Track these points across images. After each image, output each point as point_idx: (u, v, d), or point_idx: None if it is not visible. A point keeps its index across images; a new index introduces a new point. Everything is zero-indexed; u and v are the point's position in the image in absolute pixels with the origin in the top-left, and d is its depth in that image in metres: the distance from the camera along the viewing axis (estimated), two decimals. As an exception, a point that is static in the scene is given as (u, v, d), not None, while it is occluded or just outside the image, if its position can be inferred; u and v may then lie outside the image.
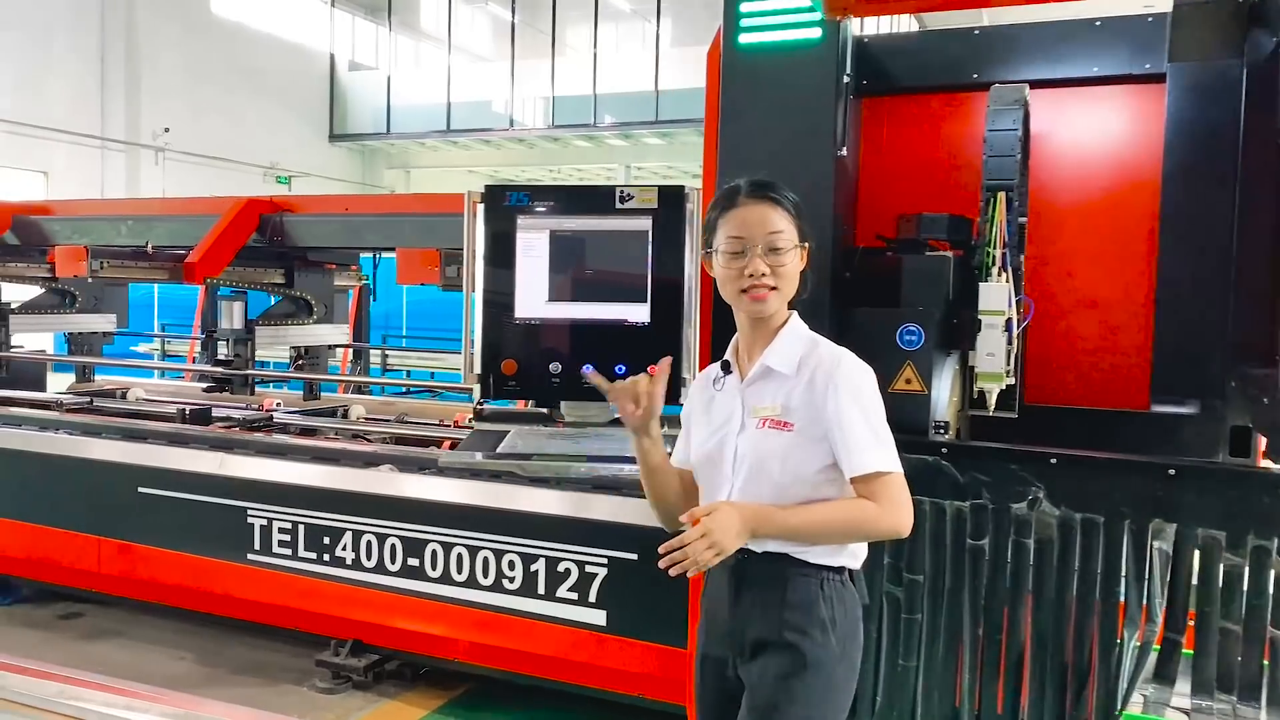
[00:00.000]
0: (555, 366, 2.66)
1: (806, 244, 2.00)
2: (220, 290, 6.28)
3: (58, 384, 7.99)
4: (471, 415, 3.03)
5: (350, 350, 9.19)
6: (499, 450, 2.65)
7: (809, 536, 1.91)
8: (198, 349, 10.13)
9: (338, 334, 6.68)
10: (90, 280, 5.41)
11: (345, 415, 6.72)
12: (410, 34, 23.78)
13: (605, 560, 3.23)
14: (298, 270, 6.31)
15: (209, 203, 7.06)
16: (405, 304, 14.15)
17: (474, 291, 2.75)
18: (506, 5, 21.74)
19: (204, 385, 6.33)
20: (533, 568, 3.36)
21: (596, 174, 23.87)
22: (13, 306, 6.72)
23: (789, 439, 1.92)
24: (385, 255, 8.56)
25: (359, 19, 22.80)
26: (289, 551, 3.78)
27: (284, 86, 20.70)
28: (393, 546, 3.60)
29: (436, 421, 6.82)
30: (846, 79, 2.71)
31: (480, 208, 2.80)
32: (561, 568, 3.31)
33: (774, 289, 1.94)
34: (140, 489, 4.09)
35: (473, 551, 3.46)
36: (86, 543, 4.20)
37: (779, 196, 1.98)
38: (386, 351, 12.46)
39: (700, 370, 2.25)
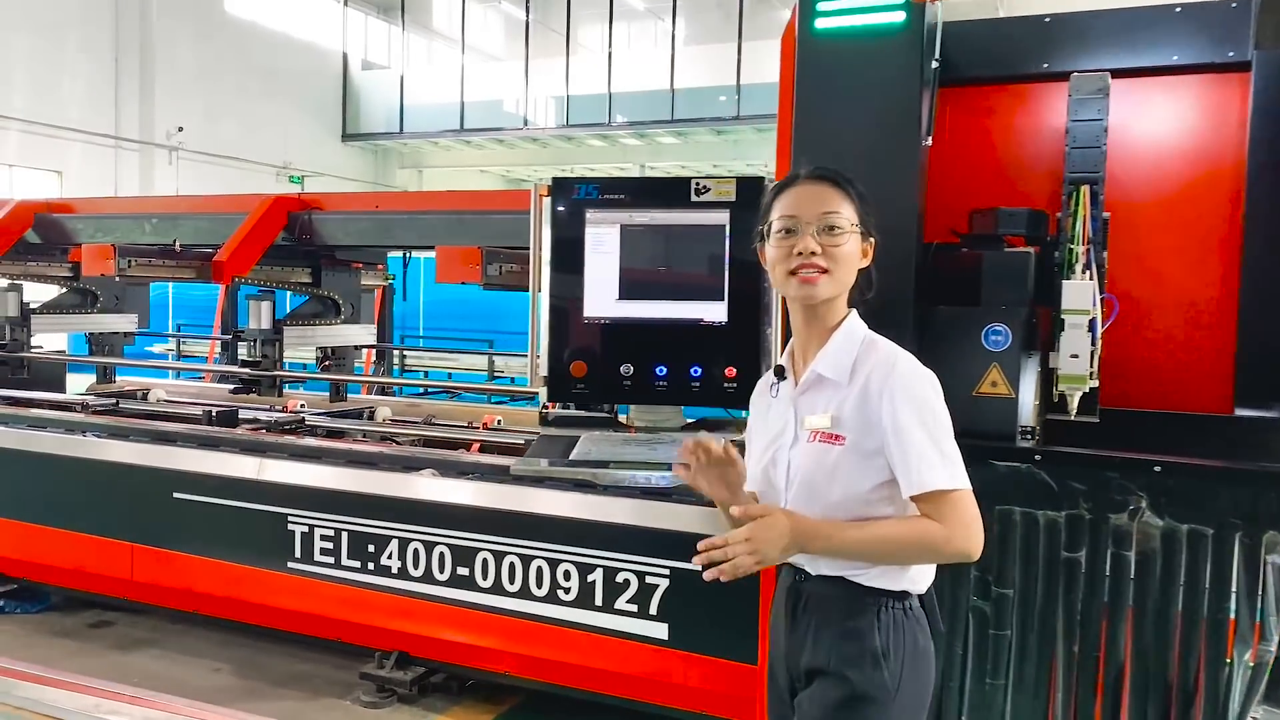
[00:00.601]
0: (627, 368, 2.52)
1: (872, 239, 1.87)
2: (247, 290, 6.17)
3: (76, 385, 7.90)
4: (538, 419, 2.89)
5: (373, 351, 9.11)
6: (573, 457, 2.51)
7: (865, 557, 1.78)
8: (217, 349, 10.05)
9: (365, 334, 6.55)
10: (117, 279, 5.27)
11: (372, 417, 6.62)
12: (422, 33, 23.69)
13: (667, 571, 3.10)
14: (325, 269, 6.19)
15: (235, 200, 6.95)
16: (423, 304, 14.03)
17: (540, 290, 2.61)
18: (518, 4, 21.62)
19: (231, 387, 6.21)
20: (589, 578, 3.22)
21: (607, 172, 23.75)
22: (34, 306, 6.62)
23: (840, 454, 1.77)
24: (416, 255, 8.46)
25: (372, 18, 22.71)
26: (331, 560, 3.65)
27: (297, 86, 20.62)
28: (441, 555, 3.47)
29: (465, 424, 6.72)
30: (935, 64, 2.57)
31: (547, 201, 2.67)
32: (620, 578, 3.17)
33: (826, 271, 1.79)
34: (175, 494, 3.96)
35: (526, 560, 3.33)
36: (119, 550, 4.08)
37: (841, 179, 1.85)
38: (405, 352, 12.35)
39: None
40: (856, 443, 1.76)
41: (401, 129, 22.01)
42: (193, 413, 6.11)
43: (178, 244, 5.46)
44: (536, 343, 2.59)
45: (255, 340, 5.76)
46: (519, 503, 3.34)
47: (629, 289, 2.54)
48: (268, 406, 6.65)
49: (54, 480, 4.31)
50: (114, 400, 6.08)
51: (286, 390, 6.38)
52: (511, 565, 3.35)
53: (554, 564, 3.28)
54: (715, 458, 1.82)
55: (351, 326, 6.37)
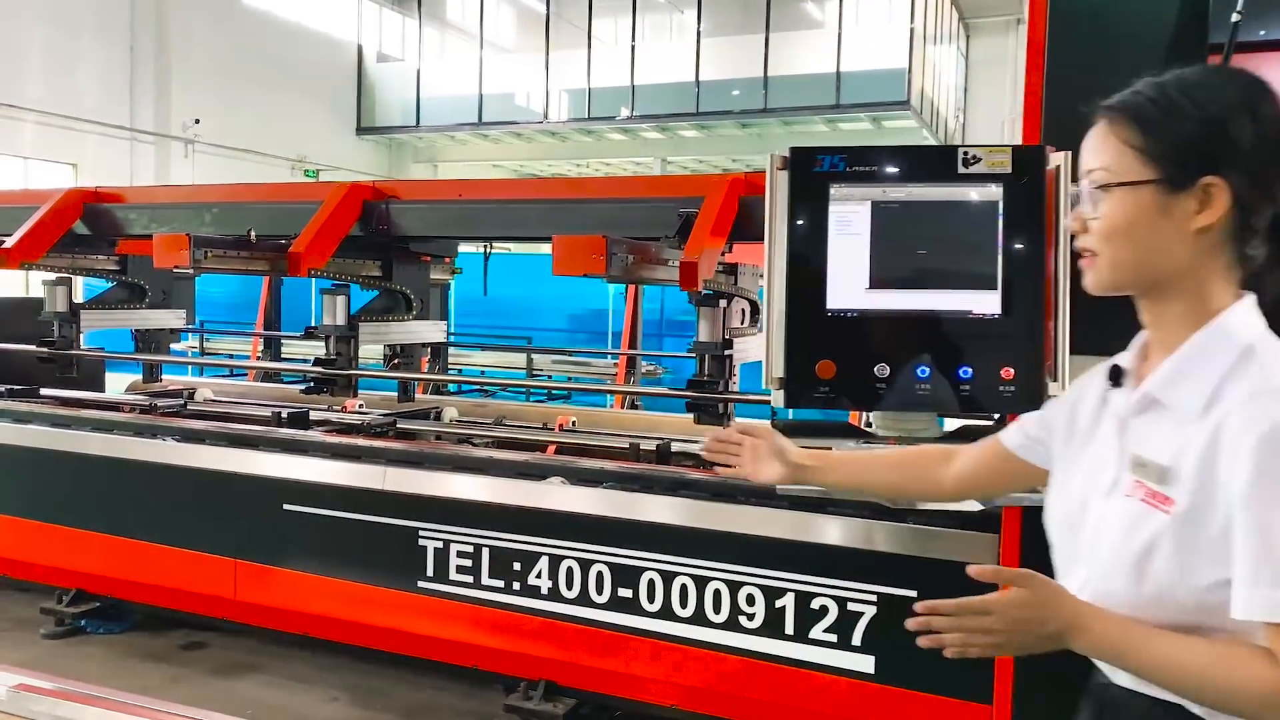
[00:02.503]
0: (882, 369, 2.19)
1: (1209, 178, 1.22)
2: (295, 282, 5.82)
3: (114, 384, 7.55)
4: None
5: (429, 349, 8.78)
6: None
7: (1166, 686, 1.23)
8: (260, 346, 9.70)
9: (436, 331, 6.22)
10: (192, 272, 4.92)
11: (439, 417, 6.30)
12: (436, 25, 23.31)
13: (874, 597, 2.77)
14: (396, 262, 5.85)
15: (304, 188, 6.61)
16: (454, 302, 13.68)
17: (774, 278, 2.28)
18: (537, -4, 21.28)
19: (302, 386, 5.86)
20: (778, 603, 2.89)
21: (625, 168, 23.43)
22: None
23: (1164, 525, 1.21)
24: (497, 249, 8.08)
25: (386, 9, 22.32)
26: (470, 579, 3.31)
27: (312, 78, 20.23)
28: (599, 575, 3.13)
29: (540, 425, 6.39)
30: (1236, 17, 2.24)
31: (783, 176, 2.33)
32: (817, 604, 2.84)
33: (1093, 254, 1.30)
34: (285, 506, 3.62)
35: (700, 583, 2.99)
36: (220, 566, 3.74)
37: (1120, 106, 1.29)
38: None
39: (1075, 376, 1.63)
40: (1192, 511, 1.19)
41: (418, 122, 21.65)
42: (262, 414, 5.79)
43: (253, 234, 5.10)
44: (771, 340, 2.27)
45: (330, 337, 5.41)
46: (696, 518, 3.01)
47: (881, 276, 2.21)
48: (326, 406, 6.33)
49: (142, 491, 3.96)
50: (182, 401, 5.73)
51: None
52: (684, 587, 3.02)
53: (735, 587, 2.95)
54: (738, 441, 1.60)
55: (423, 323, 6.04)
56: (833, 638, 2.82)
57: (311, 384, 5.80)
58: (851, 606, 2.80)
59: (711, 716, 3.07)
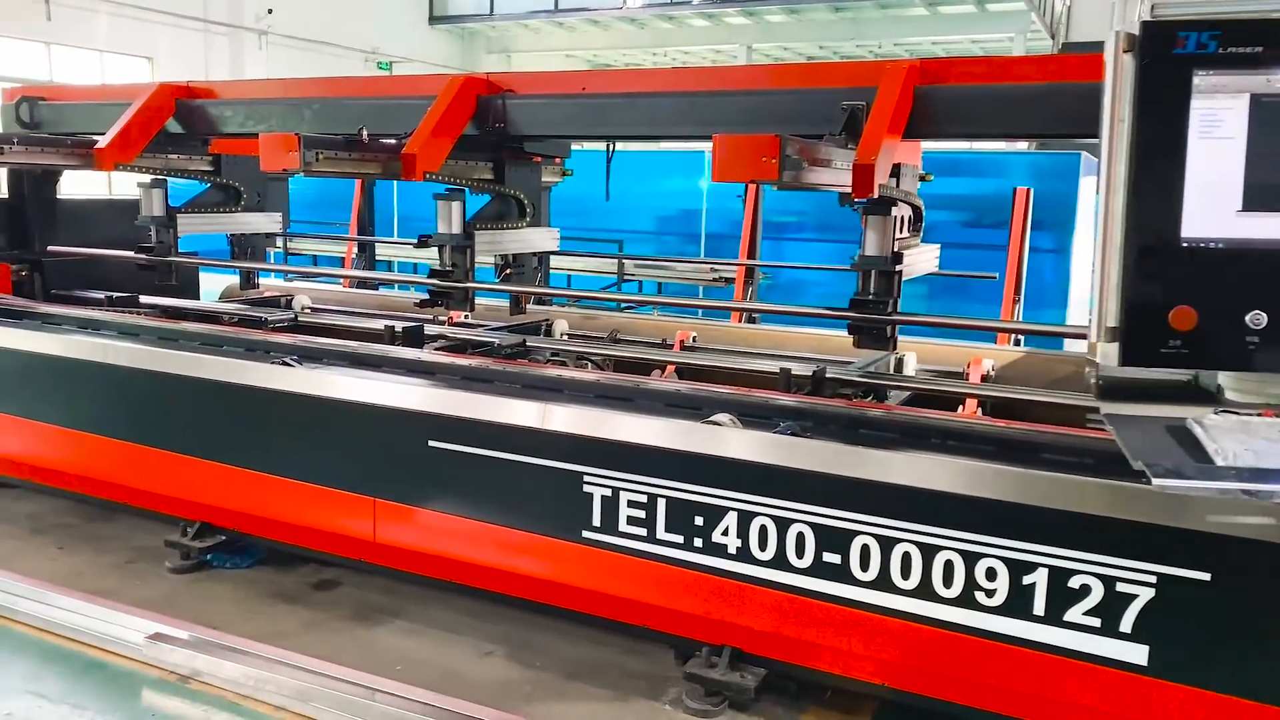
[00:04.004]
0: (1256, 319, 1.69)
1: None
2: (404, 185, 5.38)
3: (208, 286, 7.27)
4: (1095, 392, 2.06)
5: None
6: (1226, 463, 1.68)
7: None
8: (354, 251, 9.37)
9: (549, 239, 5.74)
10: (303, 174, 4.51)
11: (549, 332, 5.93)
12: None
13: (1153, 578, 2.31)
14: (508, 164, 5.36)
15: (411, 81, 6.11)
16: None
17: (1111, 197, 1.76)
18: None
19: (418, 300, 5.50)
20: (1026, 580, 2.46)
21: (706, 57, 22.40)
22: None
23: None
24: (621, 147, 7.57)
25: (459, -110, 21.29)
26: (644, 531, 2.93)
27: (385, -36, 19.49)
28: (800, 536, 2.72)
29: (659, 341, 5.98)
30: None
31: (1128, 60, 1.78)
32: (1076, 583, 2.40)
33: None
34: (432, 443, 3.26)
35: (928, 552, 2.56)
36: (359, 505, 3.41)
37: None
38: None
39: None
40: None
41: (491, 10, 20.80)
42: (373, 328, 5.46)
43: (365, 133, 4.65)
44: (1104, 279, 1.77)
45: (446, 246, 4.99)
46: (925, 478, 2.56)
47: (1260, 196, 1.68)
48: (432, 318, 5.99)
49: (271, 420, 3.64)
50: (293, 316, 5.41)
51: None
52: (906, 556, 2.59)
53: (972, 559, 2.52)
54: None
55: (537, 230, 5.58)
56: (1094, 622, 2.39)
57: (427, 297, 5.44)
58: (1121, 588, 2.35)
59: (932, 699, 2.68)
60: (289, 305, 6.54)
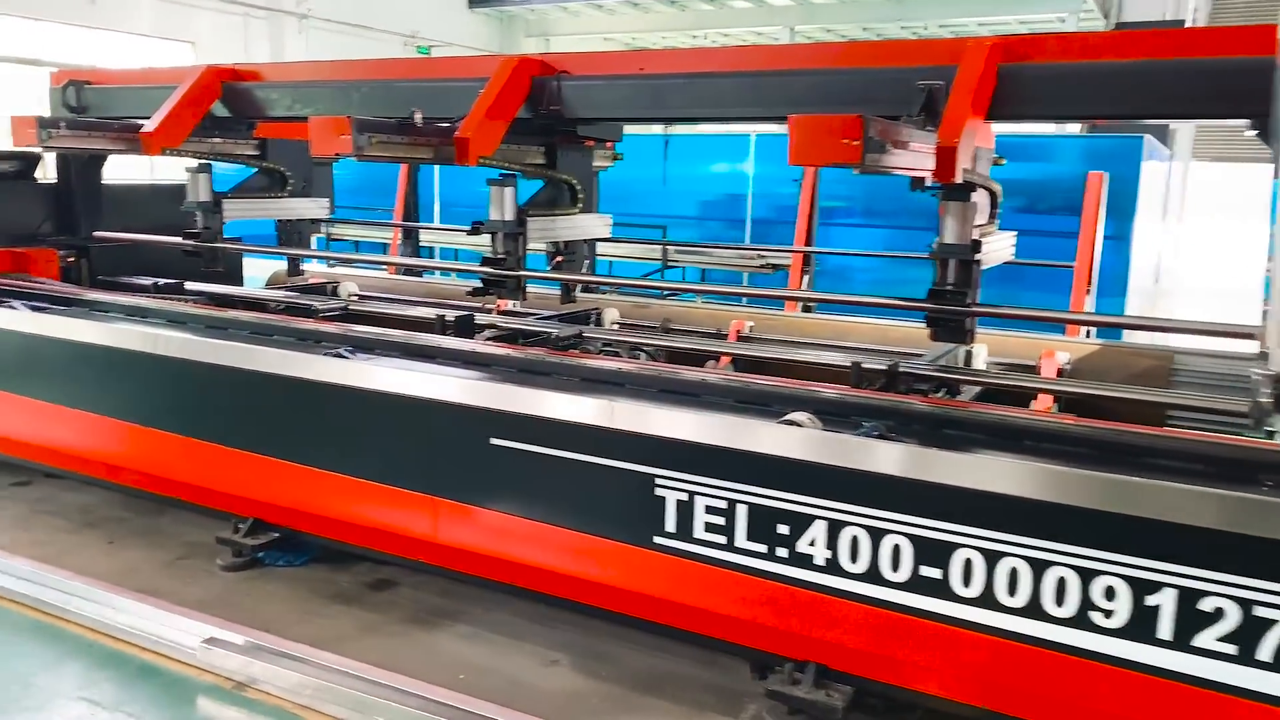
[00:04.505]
0: None
1: None
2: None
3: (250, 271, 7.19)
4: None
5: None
6: None
7: None
8: (400, 237, 9.25)
9: (601, 225, 5.57)
10: (355, 159, 4.37)
11: (599, 321, 5.77)
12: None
13: (1297, 601, 2.11)
14: (559, 148, 5.19)
15: (463, 63, 5.95)
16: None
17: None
18: None
19: (469, 288, 5.37)
20: (1149, 600, 2.26)
21: (746, 39, 22.07)
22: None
23: None
24: (679, 130, 7.35)
25: None
26: (722, 539, 2.76)
27: (424, -55, 19.35)
28: (896, 548, 2.54)
29: (713, 331, 5.81)
30: None
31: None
32: (1209, 605, 2.19)
33: None
34: (493, 440, 3.10)
35: (1038, 567, 2.37)
36: (420, 504, 3.27)
37: None
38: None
39: None
40: None
41: (531, -8, 20.64)
42: (425, 316, 5.33)
43: (418, 116, 4.49)
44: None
45: (498, 233, 4.84)
46: (1035, 488, 2.36)
47: None
48: (481, 306, 5.86)
49: (326, 415, 3.50)
50: (344, 306, 5.29)
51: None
52: (1013, 572, 2.40)
53: (1088, 575, 2.32)
54: None
55: (589, 216, 5.42)
56: (1230, 649, 2.19)
57: (479, 286, 5.29)
58: (1261, 611, 2.14)
59: (1038, 724, 2.49)
60: (335, 292, 6.44)
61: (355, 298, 6.35)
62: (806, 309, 6.66)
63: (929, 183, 3.73)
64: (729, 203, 12.06)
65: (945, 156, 3.33)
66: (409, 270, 7.81)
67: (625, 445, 2.88)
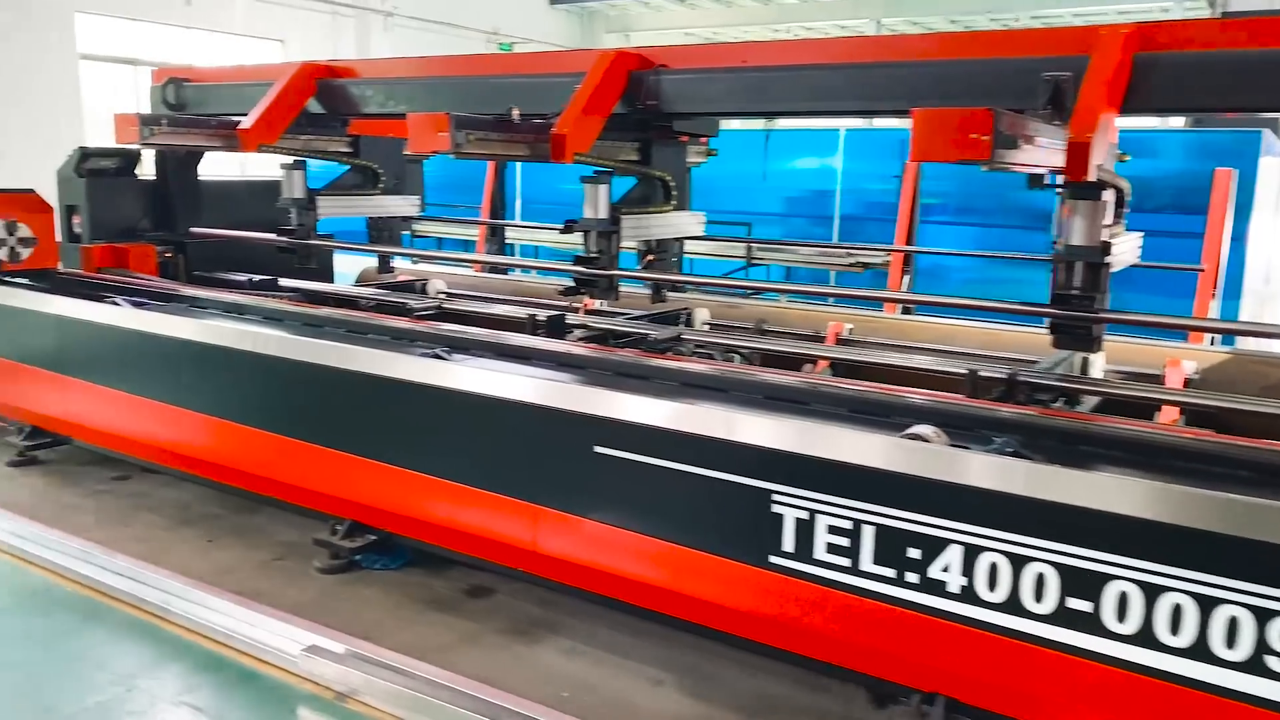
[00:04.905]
0: None
1: None
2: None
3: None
4: None
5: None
6: None
7: None
8: (486, 234, 9.24)
9: (695, 223, 5.42)
10: (453, 156, 4.29)
11: (690, 322, 5.63)
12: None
13: None
14: (654, 144, 5.06)
15: (558, 58, 5.86)
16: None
17: None
18: None
19: (561, 288, 5.28)
20: (1339, 646, 2.03)
21: (829, 33, 21.67)
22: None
23: None
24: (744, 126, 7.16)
25: None
26: (846, 561, 2.59)
27: (508, -57, 19.44)
28: (1040, 577, 2.34)
29: (811, 333, 5.62)
30: None
31: None
32: None
33: None
34: (597, 449, 2.98)
35: (1206, 605, 2.15)
36: (520, 511, 3.17)
37: None
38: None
39: None
40: None
41: (613, -12, 20.58)
42: (515, 315, 5.26)
43: (516, 113, 4.40)
44: None
45: (591, 232, 4.72)
46: (1204, 517, 2.14)
47: None
48: (569, 305, 5.77)
49: (425, 417, 3.42)
50: (437, 305, 5.24)
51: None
52: (1176, 609, 2.19)
53: (1265, 616, 2.10)
54: None
55: (683, 214, 5.28)
56: None
57: (570, 285, 5.20)
58: None
59: (1197, 776, 2.27)
60: (424, 290, 6.42)
61: (443, 295, 6.33)
62: (905, 310, 6.41)
63: (1048, 180, 3.52)
64: (815, 199, 11.79)
65: (1078, 152, 3.11)
66: (493, 268, 7.78)
67: (740, 458, 2.73)
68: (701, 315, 5.61)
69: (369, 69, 5.69)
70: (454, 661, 2.99)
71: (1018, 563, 2.36)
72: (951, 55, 3.91)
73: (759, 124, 11.54)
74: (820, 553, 2.63)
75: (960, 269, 10.40)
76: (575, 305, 5.80)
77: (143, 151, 6.21)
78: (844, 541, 2.59)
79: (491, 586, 3.56)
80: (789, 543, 2.67)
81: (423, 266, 7.26)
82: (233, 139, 5.44)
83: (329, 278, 6.61)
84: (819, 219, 11.72)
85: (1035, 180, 3.54)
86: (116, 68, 14.22)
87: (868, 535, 2.55)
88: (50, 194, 5.99)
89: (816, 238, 11.41)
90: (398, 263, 7.05)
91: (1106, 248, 3.51)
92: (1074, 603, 2.30)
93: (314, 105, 5.58)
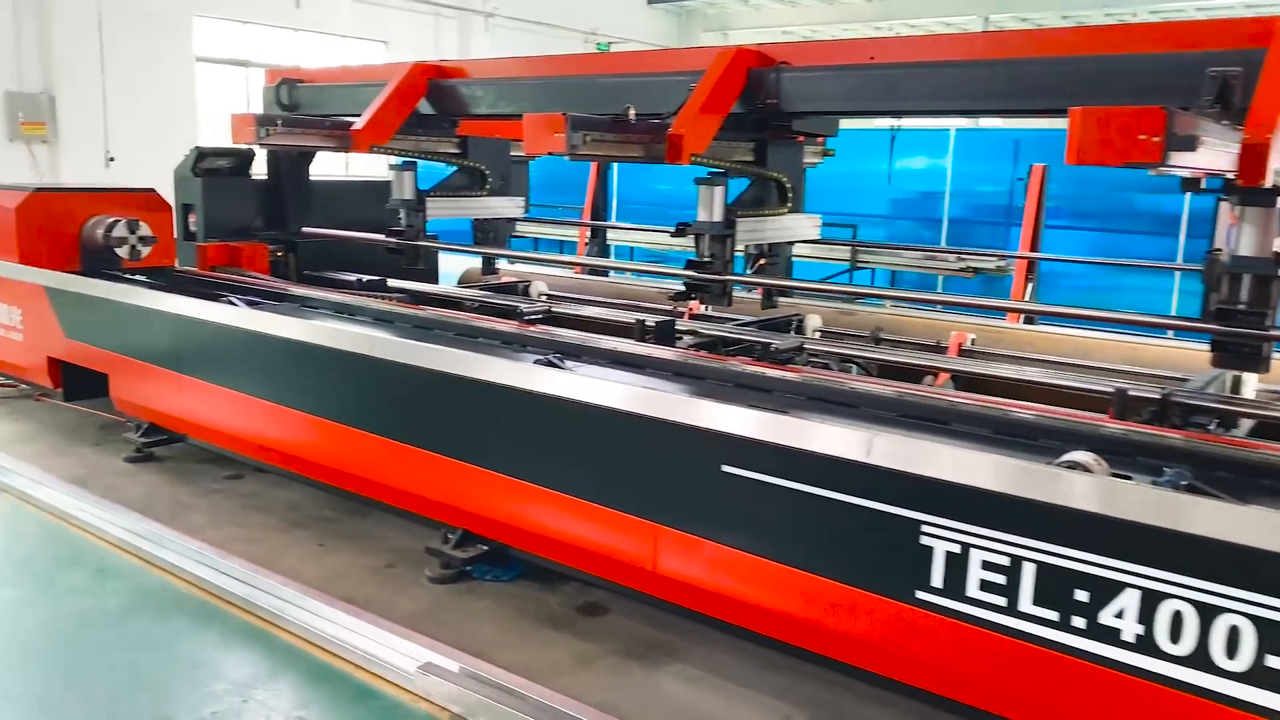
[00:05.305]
0: None
1: None
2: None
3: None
4: None
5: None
6: None
7: None
8: (587, 236, 9.17)
9: (809, 226, 5.21)
10: (567, 157, 4.19)
11: (800, 329, 5.42)
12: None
13: None
14: (770, 144, 4.87)
15: (673, 56, 5.75)
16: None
17: None
18: None
19: (658, 289, 5.18)
20: None
21: (932, 28, 21.08)
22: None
23: None
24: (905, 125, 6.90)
25: None
26: (1002, 601, 2.38)
27: (603, -58, 19.44)
28: (1233, 630, 2.09)
29: (932, 343, 5.36)
30: None
31: None
32: None
33: None
34: (725, 468, 2.82)
35: None
36: (640, 529, 3.03)
37: None
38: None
39: None
40: None
41: (713, -16, 20.40)
42: (623, 320, 5.14)
43: (632, 113, 4.27)
44: None
45: (704, 235, 4.56)
46: None
47: None
48: (672, 310, 5.63)
49: (541, 426, 3.31)
50: (548, 308, 5.16)
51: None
52: (1404, 675, 1.92)
53: None
54: None
55: (798, 217, 5.07)
56: None
57: (682, 290, 5.05)
58: None
59: None
60: (526, 291, 6.37)
61: (544, 297, 6.26)
62: (1029, 321, 6.09)
63: (1204, 184, 3.25)
64: (921, 201, 11.42)
65: (1254, 155, 2.84)
66: (592, 270, 7.69)
67: (885, 484, 2.53)
68: (813, 322, 5.41)
69: (479, 69, 5.64)
70: (570, 684, 2.87)
71: (1207, 614, 2.11)
72: (1105, 50, 3.65)
73: (881, 124, 11.21)
74: (973, 590, 2.42)
75: (1075, 276, 9.93)
76: (680, 309, 5.65)
77: (257, 151, 6.29)
78: (1000, 579, 2.37)
79: (605, 604, 3.43)
80: (938, 578, 2.46)
81: (520, 267, 7.23)
82: (345, 139, 5.45)
83: (434, 278, 6.60)
84: (926, 221, 11.36)
85: (1190, 184, 3.27)
86: (225, 70, 14.63)
87: (1028, 573, 2.33)
88: (166, 194, 6.11)
89: (923, 241, 11.05)
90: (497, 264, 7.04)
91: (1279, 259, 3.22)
92: (1274, 661, 2.05)
93: (424, 106, 5.56)
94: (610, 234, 9.59)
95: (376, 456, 3.81)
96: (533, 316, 4.92)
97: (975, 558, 2.41)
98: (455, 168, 6.01)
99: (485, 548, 3.56)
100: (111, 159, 12.55)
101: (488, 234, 6.58)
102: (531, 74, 5.35)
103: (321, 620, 3.13)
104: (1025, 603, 2.35)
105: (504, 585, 3.55)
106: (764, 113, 4.45)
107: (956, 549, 2.43)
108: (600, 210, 8.93)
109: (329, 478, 4.15)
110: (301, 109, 6.15)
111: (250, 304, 4.78)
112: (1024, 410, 3.21)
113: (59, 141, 12.41)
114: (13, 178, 10.82)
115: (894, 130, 8.65)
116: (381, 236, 5.77)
